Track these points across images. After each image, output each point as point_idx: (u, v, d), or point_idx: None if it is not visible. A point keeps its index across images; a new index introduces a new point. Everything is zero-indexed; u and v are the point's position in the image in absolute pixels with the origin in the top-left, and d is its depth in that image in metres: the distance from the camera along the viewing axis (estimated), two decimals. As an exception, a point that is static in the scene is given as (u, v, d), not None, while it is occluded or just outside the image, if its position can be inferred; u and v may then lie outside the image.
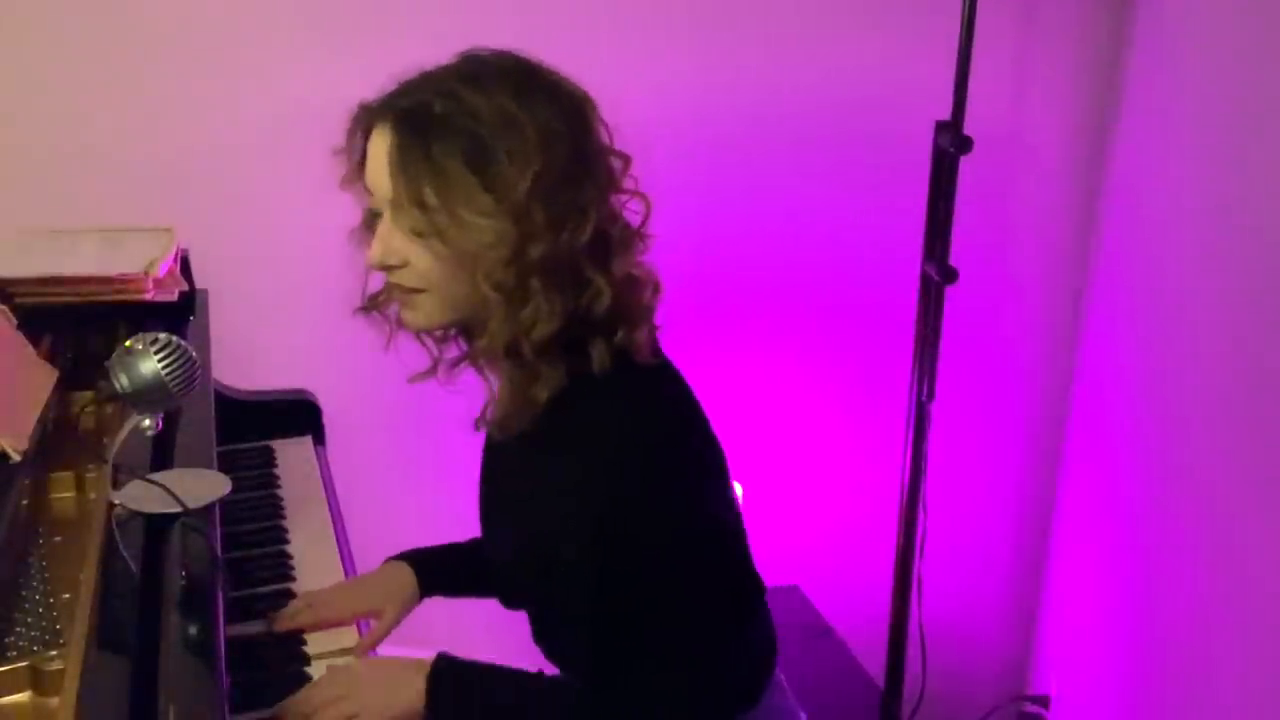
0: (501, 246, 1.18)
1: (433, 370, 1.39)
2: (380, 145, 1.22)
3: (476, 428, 1.37)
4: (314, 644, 1.46)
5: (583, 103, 1.26)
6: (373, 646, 1.48)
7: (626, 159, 1.28)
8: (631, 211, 1.30)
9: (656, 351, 1.32)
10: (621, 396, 1.26)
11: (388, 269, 1.26)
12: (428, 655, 1.32)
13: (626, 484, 1.22)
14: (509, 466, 1.39)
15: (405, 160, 1.19)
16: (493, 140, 1.18)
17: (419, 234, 1.21)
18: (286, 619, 1.47)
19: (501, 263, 1.19)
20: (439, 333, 1.37)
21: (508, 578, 1.46)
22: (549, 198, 1.19)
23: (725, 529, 1.35)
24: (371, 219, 1.29)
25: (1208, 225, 1.77)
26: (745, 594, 1.40)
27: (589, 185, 1.23)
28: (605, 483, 1.22)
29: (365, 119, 1.26)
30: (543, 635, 1.44)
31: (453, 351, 1.39)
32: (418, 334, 1.36)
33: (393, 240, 1.24)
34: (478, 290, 1.22)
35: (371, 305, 1.37)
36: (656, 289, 1.31)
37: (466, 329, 1.33)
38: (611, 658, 1.28)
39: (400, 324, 1.35)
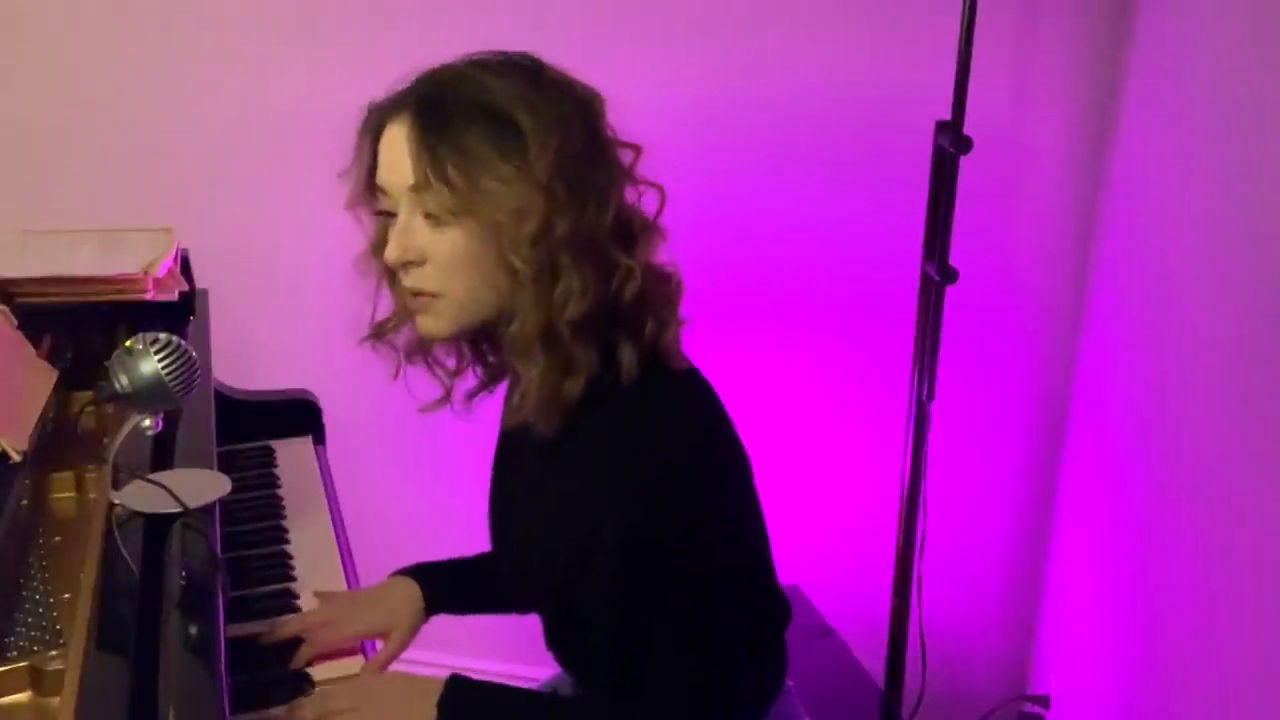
0: (528, 220, 1.18)
1: (445, 399, 1.37)
2: (398, 135, 1.21)
3: (505, 424, 1.33)
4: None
5: (592, 97, 1.27)
6: (380, 670, 1.46)
7: (638, 149, 1.28)
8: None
9: (684, 357, 1.30)
10: (651, 405, 1.25)
11: (406, 266, 1.24)
12: (434, 658, 1.31)
13: (655, 496, 1.20)
14: (529, 469, 1.36)
15: (426, 138, 1.19)
16: (511, 116, 1.19)
17: (447, 213, 1.20)
18: (287, 634, 1.44)
19: (529, 239, 1.18)
20: (453, 363, 1.36)
21: (520, 581, 1.43)
22: (570, 175, 1.19)
23: (750, 546, 1.34)
24: (384, 230, 1.27)
25: (1208, 225, 1.77)
26: (769, 617, 1.39)
27: (605, 169, 1.24)
28: (634, 494, 1.21)
29: (377, 118, 1.25)
30: (557, 641, 1.42)
31: (469, 382, 1.38)
32: (428, 360, 1.35)
33: (411, 235, 1.22)
34: (504, 276, 1.21)
35: (379, 332, 1.35)
36: (680, 286, 1.30)
37: (490, 331, 1.30)
38: (626, 667, 1.26)
39: (414, 346, 1.34)
